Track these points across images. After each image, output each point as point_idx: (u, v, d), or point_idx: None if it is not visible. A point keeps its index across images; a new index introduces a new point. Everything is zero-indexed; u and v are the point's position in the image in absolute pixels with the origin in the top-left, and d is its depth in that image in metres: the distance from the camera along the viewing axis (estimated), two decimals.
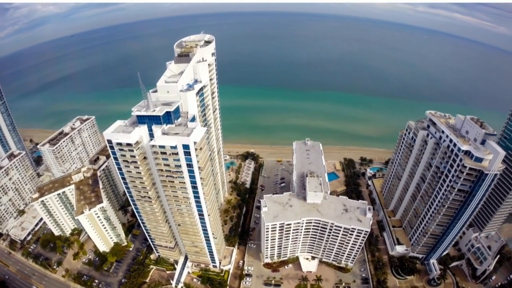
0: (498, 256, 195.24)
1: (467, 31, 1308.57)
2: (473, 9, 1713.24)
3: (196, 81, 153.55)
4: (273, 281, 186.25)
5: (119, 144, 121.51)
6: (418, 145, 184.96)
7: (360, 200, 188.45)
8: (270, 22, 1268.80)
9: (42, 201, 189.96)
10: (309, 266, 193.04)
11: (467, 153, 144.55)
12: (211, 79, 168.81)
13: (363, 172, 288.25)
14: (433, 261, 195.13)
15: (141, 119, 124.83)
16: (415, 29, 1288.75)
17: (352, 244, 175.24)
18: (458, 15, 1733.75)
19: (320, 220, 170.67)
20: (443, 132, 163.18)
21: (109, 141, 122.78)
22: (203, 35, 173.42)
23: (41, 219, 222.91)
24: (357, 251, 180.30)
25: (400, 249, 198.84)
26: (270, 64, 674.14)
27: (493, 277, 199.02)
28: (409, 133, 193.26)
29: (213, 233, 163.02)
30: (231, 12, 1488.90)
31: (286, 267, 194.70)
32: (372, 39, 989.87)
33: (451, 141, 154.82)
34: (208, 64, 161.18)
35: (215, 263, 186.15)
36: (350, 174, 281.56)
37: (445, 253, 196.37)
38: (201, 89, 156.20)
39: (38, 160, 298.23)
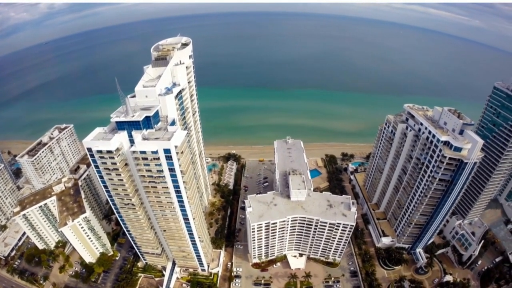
0: (482, 241, 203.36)
1: (442, 25, 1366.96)
2: (448, 4, 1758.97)
3: (174, 85, 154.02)
4: (262, 281, 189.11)
5: (100, 151, 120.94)
6: (398, 138, 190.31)
7: (343, 195, 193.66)
8: (248, 22, 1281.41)
9: (24, 214, 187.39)
10: (297, 263, 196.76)
11: (446, 143, 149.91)
12: (189, 82, 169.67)
13: (345, 167, 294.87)
14: (419, 250, 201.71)
15: (120, 125, 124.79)
16: (392, 25, 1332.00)
17: (339, 238, 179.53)
18: (433, 10, 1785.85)
19: (305, 217, 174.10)
20: (421, 124, 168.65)
21: (89, 149, 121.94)
22: (180, 38, 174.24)
23: (24, 233, 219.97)
24: (343, 245, 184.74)
25: (386, 241, 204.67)
26: (249, 64, 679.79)
27: (479, 262, 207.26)
28: (388, 126, 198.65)
29: (199, 237, 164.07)
30: (207, 13, 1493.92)
31: (274, 266, 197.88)
32: (350, 36, 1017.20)
33: (430, 132, 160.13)
34: (186, 67, 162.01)
35: (203, 266, 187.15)
36: (332, 170, 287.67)
37: (430, 241, 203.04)
38: (180, 92, 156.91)
39: (17, 173, 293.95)
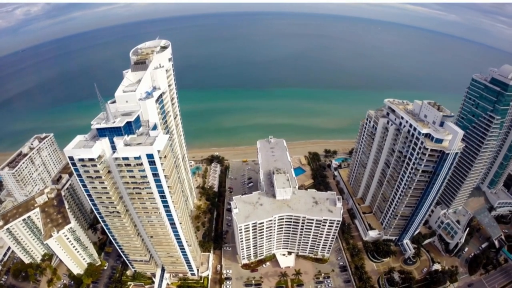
0: (468, 228, 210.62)
1: (419, 21, 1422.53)
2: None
3: (154, 88, 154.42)
4: (253, 281, 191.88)
5: (81, 160, 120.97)
6: (380, 133, 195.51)
7: (328, 191, 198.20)
8: (226, 23, 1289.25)
9: (8, 228, 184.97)
10: (286, 261, 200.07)
11: (428, 135, 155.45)
12: (169, 85, 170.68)
13: (329, 163, 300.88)
14: (406, 241, 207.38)
15: (101, 132, 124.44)
16: (369, 22, 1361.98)
17: (326, 234, 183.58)
18: (410, 6, 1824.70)
19: (292, 215, 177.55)
20: (402, 118, 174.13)
21: (71, 158, 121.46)
22: (158, 41, 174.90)
23: (9, 248, 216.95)
24: (331, 241, 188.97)
25: (373, 234, 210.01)
26: (229, 65, 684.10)
27: (466, 249, 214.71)
28: (369, 122, 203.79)
29: (187, 241, 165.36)
30: (185, 15, 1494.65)
31: (264, 265, 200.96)
32: (327, 34, 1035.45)
33: (411, 126, 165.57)
34: (166, 70, 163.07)
35: (192, 270, 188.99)
36: (316, 167, 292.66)
37: (416, 232, 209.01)
38: (160, 96, 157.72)
39: None
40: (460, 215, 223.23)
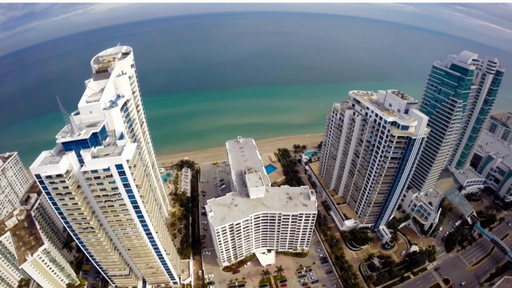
0: (440, 209, 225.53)
1: (378, 13, 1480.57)
2: None
3: (118, 97, 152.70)
4: (236, 283, 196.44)
5: (49, 177, 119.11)
6: (347, 124, 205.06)
7: (301, 186, 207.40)
8: (189, 26, 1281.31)
9: None
10: (267, 259, 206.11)
11: (394, 123, 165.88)
12: (133, 92, 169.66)
13: (299, 158, 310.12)
14: (382, 227, 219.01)
15: (67, 146, 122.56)
16: (329, 17, 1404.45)
17: (303, 228, 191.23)
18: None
19: (267, 213, 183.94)
20: (368, 108, 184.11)
21: (38, 176, 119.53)
22: (120, 47, 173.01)
23: None
24: (309, 234, 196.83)
25: (349, 223, 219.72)
26: (192, 68, 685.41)
27: (440, 229, 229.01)
28: (336, 114, 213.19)
29: (165, 250, 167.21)
30: (146, 19, 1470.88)
31: (245, 266, 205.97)
32: (289, 31, 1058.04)
33: (376, 115, 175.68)
34: (129, 77, 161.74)
35: (174, 279, 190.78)
36: (287, 163, 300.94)
37: (391, 217, 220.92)
38: (125, 103, 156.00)
39: None
40: (431, 197, 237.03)
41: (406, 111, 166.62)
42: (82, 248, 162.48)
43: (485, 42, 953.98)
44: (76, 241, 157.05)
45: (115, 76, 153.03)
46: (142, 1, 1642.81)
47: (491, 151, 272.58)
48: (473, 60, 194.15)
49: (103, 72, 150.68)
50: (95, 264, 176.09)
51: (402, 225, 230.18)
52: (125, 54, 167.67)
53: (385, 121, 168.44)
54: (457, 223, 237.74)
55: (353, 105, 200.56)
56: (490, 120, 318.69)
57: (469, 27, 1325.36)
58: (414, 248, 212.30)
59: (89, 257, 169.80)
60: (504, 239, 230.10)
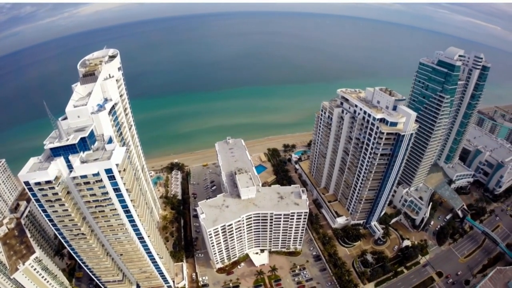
0: (431, 203, 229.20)
1: (364, 11, 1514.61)
2: None
3: (106, 100, 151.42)
4: (230, 284, 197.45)
5: (38, 183, 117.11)
6: (336, 122, 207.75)
7: (292, 185, 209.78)
8: (175, 27, 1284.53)
9: None
10: (260, 259, 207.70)
11: (382, 120, 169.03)
12: (121, 95, 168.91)
13: (289, 158, 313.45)
14: (374, 223, 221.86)
15: (55, 152, 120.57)
16: (316, 16, 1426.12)
17: (296, 227, 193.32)
18: None
19: (259, 213, 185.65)
20: (356, 106, 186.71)
21: (27, 183, 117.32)
22: (106, 50, 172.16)
23: None
24: (301, 233, 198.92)
25: (341, 221, 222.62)
26: (181, 69, 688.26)
27: (432, 223, 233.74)
28: (325, 113, 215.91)
29: (158, 254, 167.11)
30: (132, 22, 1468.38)
31: (239, 266, 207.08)
32: (277, 31, 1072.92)
33: (365, 112, 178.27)
34: (116, 80, 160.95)
35: (168, 283, 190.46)
36: (277, 162, 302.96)
37: (382, 213, 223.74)
38: (113, 107, 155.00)
39: None
40: (422, 192, 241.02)
41: (394, 108, 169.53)
42: (74, 255, 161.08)
43: (470, 38, 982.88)
44: (68, 248, 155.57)
45: (102, 79, 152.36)
46: (129, 1, 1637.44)
47: (479, 145, 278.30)
48: (460, 56, 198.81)
49: (90, 76, 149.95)
50: (87, 271, 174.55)
51: (393, 220, 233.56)
52: (112, 57, 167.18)
53: (374, 118, 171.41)
54: (448, 217, 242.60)
55: (342, 103, 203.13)
56: (478, 115, 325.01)
57: (454, 24, 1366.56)
58: (406, 242, 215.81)
59: (81, 263, 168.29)
60: (495, 230, 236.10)
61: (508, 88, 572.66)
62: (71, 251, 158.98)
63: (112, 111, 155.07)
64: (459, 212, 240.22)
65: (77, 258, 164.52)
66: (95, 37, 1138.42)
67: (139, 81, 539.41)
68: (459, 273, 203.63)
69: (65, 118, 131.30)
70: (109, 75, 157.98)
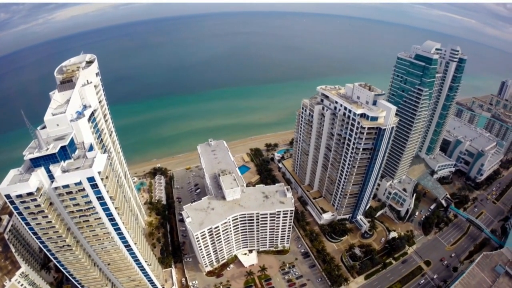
0: (415, 194, 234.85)
1: (341, 9, 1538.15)
2: None
3: (85, 107, 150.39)
4: (221, 287, 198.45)
5: (19, 196, 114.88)
6: (317, 119, 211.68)
7: (276, 184, 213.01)
8: (154, 30, 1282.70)
9: None
10: (249, 260, 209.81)
11: (363, 115, 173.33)
12: (100, 101, 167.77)
13: (272, 157, 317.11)
14: (359, 217, 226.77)
15: (35, 162, 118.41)
16: (293, 15, 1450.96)
17: (282, 226, 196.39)
18: None
19: (245, 214, 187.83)
20: (336, 102, 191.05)
21: (8, 196, 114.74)
22: (83, 56, 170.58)
23: None
24: (289, 231, 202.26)
25: (327, 217, 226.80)
26: (160, 73, 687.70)
27: (417, 213, 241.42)
28: (305, 110, 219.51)
29: (146, 261, 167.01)
30: (108, 26, 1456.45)
31: (228, 268, 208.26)
32: (256, 30, 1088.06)
33: (345, 108, 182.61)
34: (95, 86, 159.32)
35: None
36: (260, 162, 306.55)
37: (368, 206, 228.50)
38: (92, 114, 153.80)
39: None
40: (405, 184, 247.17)
41: (374, 103, 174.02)
42: (61, 268, 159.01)
43: (447, 32, 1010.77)
44: (54, 260, 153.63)
45: (80, 85, 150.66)
46: (106, 1, 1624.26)
47: (459, 135, 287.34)
48: (436, 49, 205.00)
49: (68, 83, 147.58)
50: (75, 283, 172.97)
51: (379, 213, 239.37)
52: (89, 63, 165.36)
53: (354, 114, 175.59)
54: (432, 207, 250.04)
55: (322, 100, 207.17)
56: (456, 106, 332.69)
57: (430, 18, 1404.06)
58: (393, 234, 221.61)
59: (68, 276, 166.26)
60: (479, 217, 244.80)
61: (485, 79, 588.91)
62: (57, 264, 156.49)
63: (92, 117, 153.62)
64: (443, 202, 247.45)
65: (64, 271, 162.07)
66: (71, 42, 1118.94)
67: (118, 86, 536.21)
68: (452, 255, 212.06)
69: (44, 127, 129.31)
70: (87, 81, 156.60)
